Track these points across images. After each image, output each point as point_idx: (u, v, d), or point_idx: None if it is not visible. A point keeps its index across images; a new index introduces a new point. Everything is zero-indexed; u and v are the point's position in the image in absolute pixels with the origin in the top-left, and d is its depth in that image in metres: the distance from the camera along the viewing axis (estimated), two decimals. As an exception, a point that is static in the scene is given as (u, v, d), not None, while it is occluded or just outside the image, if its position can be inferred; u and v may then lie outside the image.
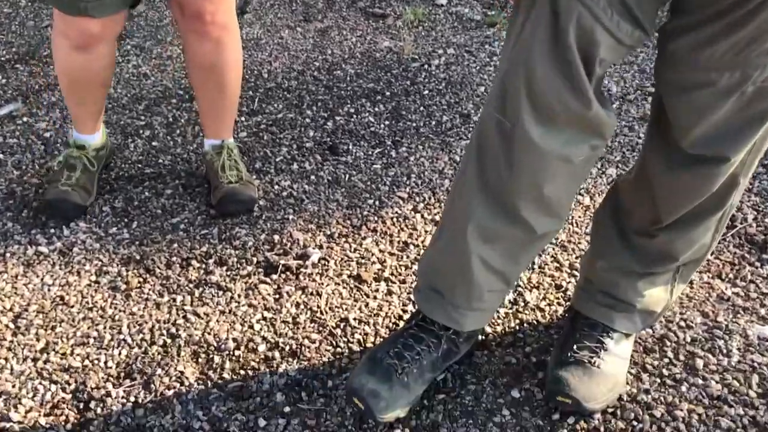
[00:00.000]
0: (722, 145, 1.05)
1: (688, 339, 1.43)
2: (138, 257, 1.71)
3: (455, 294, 1.25)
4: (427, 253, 1.31)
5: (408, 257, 1.69)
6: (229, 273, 1.65)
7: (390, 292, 1.58)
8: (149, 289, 1.62)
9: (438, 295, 1.27)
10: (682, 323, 1.47)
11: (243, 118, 2.30)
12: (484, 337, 1.45)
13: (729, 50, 0.96)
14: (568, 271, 1.62)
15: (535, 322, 1.49)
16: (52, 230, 1.81)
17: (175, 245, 1.75)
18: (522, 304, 1.53)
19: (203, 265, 1.68)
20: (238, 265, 1.68)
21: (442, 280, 1.27)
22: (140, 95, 2.48)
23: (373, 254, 1.70)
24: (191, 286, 1.62)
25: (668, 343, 1.42)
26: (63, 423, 1.32)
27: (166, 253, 1.72)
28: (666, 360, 1.38)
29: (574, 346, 1.31)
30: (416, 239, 1.74)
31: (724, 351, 1.40)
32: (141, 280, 1.64)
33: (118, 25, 1.68)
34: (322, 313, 1.54)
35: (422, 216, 1.82)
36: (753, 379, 1.33)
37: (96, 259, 1.71)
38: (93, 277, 1.66)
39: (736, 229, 1.71)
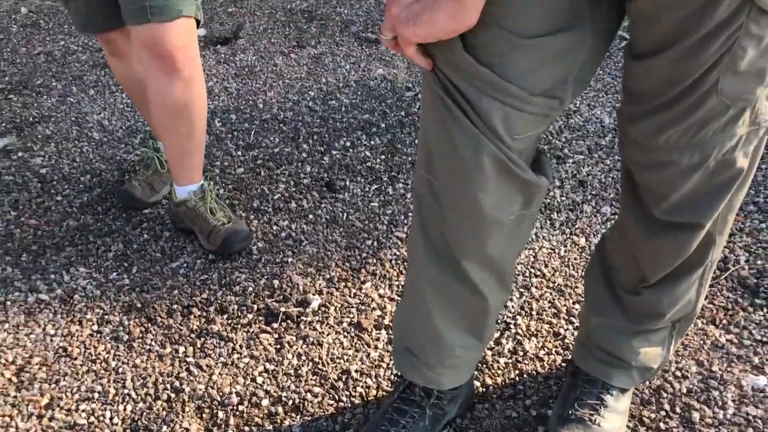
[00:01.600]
0: (694, 213, 1.08)
1: (684, 390, 1.46)
2: (139, 305, 1.72)
3: (427, 353, 1.26)
4: (397, 312, 1.32)
5: (407, 303, 1.71)
6: (230, 321, 1.67)
7: (391, 341, 1.60)
8: (151, 340, 1.63)
9: (412, 356, 1.28)
10: (678, 373, 1.50)
11: (240, 153, 2.31)
12: (484, 389, 1.47)
13: (684, 134, 0.97)
14: (566, 317, 1.65)
15: (534, 372, 1.51)
16: (53, 275, 1.81)
17: (176, 291, 1.76)
18: (521, 353, 1.56)
19: (204, 313, 1.69)
20: (239, 313, 1.69)
21: (411, 339, 1.28)
22: (135, 127, 2.48)
23: (372, 300, 1.72)
24: (193, 336, 1.63)
25: (664, 395, 1.45)
26: (70, 484, 1.33)
27: (167, 301, 1.73)
28: (663, 413, 1.41)
29: (575, 404, 1.33)
30: (415, 284, 1.76)
31: (720, 403, 1.42)
32: (143, 329, 1.65)
33: (126, 42, 1.81)
34: (323, 364, 1.55)
35: (420, 259, 1.84)
36: (748, 433, 1.36)
37: (97, 307, 1.72)
38: (95, 327, 1.67)
39: (729, 272, 1.74)
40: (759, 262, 1.78)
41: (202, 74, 1.70)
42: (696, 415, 1.40)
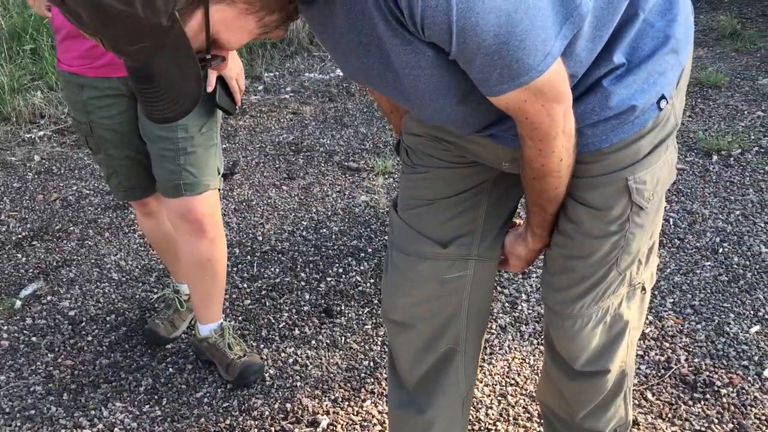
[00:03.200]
0: (603, 362, 1.39)
1: (639, 479, 1.75)
2: (172, 434, 1.99)
3: None
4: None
5: (403, 417, 2.00)
6: (252, 444, 1.94)
7: (391, 453, 1.88)
8: (186, 465, 1.89)
9: None
10: (633, 464, 1.79)
11: (245, 285, 2.63)
12: (473, 490, 1.75)
13: (593, 301, 1.31)
14: (538, 421, 1.94)
15: (513, 472, 1.80)
16: (93, 411, 2.09)
17: (203, 420, 2.03)
18: (502, 455, 1.85)
19: (229, 438, 1.97)
20: (259, 436, 1.97)
21: None
22: (149, 266, 2.80)
23: (373, 416, 2.00)
24: (221, 459, 1.90)
25: (623, 484, 1.73)
26: None
27: (196, 428, 2.01)
28: (622, 500, 1.69)
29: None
30: (408, 399, 2.06)
31: (668, 488, 1.71)
32: (177, 456, 1.92)
33: (158, 204, 2.13)
34: (336, 477, 1.83)
35: (411, 375, 2.14)
36: None
37: (135, 438, 1.99)
38: (135, 457, 1.93)
39: (671, 371, 2.06)
40: (696, 360, 2.10)
41: (224, 234, 2.05)
42: (649, 501, 1.68)
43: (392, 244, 1.42)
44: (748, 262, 2.50)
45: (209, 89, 1.85)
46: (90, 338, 2.40)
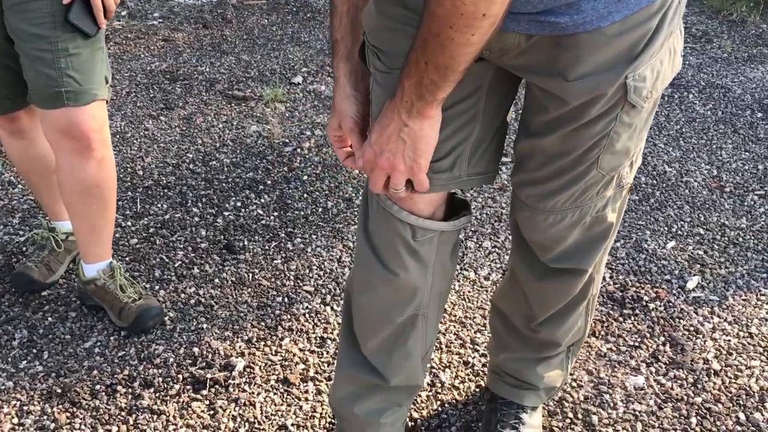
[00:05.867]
0: (577, 260, 1.29)
1: (581, 398, 1.68)
2: (59, 390, 1.70)
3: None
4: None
5: (327, 353, 1.82)
6: (158, 395, 1.70)
7: (319, 392, 1.71)
8: (80, 423, 1.62)
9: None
10: (574, 384, 1.72)
11: (129, 223, 2.32)
12: (412, 423, 1.62)
13: (568, 199, 1.18)
14: (471, 346, 1.84)
15: (454, 401, 1.68)
16: (-45, 373, 1.75)
17: (95, 372, 1.76)
18: (439, 385, 1.72)
19: (130, 390, 1.71)
20: (166, 385, 1.72)
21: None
22: (10, 206, 2.41)
23: (294, 354, 1.81)
24: (123, 414, 1.65)
25: (566, 405, 1.67)
26: None
27: (88, 382, 1.73)
28: (567, 420, 1.62)
29: (498, 425, 1.51)
30: (332, 333, 1.88)
31: (611, 404, 1.67)
32: (69, 415, 1.64)
33: (30, 119, 1.81)
34: (259, 423, 1.63)
35: (332, 308, 1.96)
36: (638, 427, 1.61)
37: (14, 399, 1.68)
38: (15, 420, 1.63)
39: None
40: (621, 277, 2.07)
41: (113, 155, 1.74)
42: (595, 419, 1.63)
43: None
44: (655, 182, 2.51)
45: (65, 1, 1.54)
46: (-57, 289, 2.02)
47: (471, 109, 1.12)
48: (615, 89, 1.03)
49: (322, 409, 1.66)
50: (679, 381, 1.73)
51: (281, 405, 1.68)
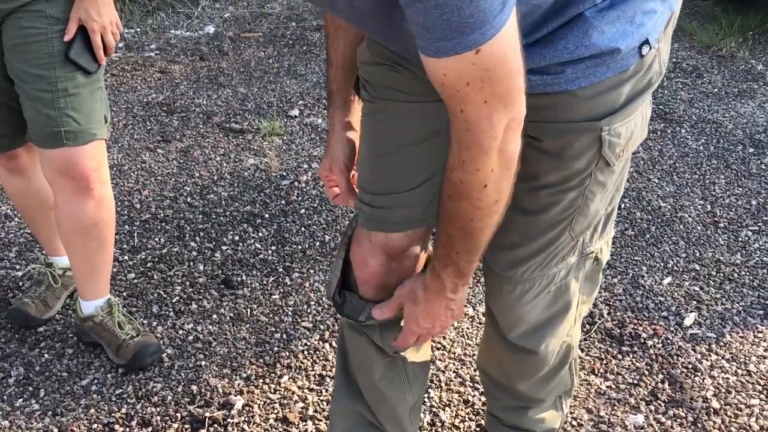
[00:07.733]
0: (534, 341, 1.29)
1: (582, 437, 1.68)
2: (56, 430, 1.68)
3: None
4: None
5: (326, 390, 1.81)
6: (156, 434, 1.68)
7: (318, 431, 1.70)
8: (77, 465, 1.60)
9: None
10: (574, 422, 1.72)
11: (126, 257, 2.32)
12: (413, 463, 1.61)
13: (538, 267, 1.19)
14: (471, 384, 1.83)
15: (454, 440, 1.68)
16: (-51, 412, 1.73)
17: (92, 410, 1.74)
18: (439, 424, 1.72)
19: (127, 429, 1.69)
20: (164, 424, 1.71)
21: None
22: (7, 239, 2.41)
23: (293, 392, 1.80)
24: (121, 454, 1.63)
25: (567, 444, 1.66)
26: None
27: (85, 421, 1.71)
28: (569, 460, 1.62)
29: (499, 467, 1.51)
30: (330, 370, 1.87)
31: (612, 444, 1.66)
32: (66, 455, 1.63)
33: (29, 157, 1.82)
34: (259, 462, 1.62)
35: (331, 345, 1.96)
36: (639, 466, 1.61)
37: (9, 439, 1.66)
38: (11, 461, 1.61)
39: (596, 326, 2.02)
40: (618, 313, 2.08)
41: (112, 193, 1.75)
42: (596, 458, 1.62)
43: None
44: (650, 217, 2.53)
45: (66, 38, 1.56)
46: (-62, 325, 2.00)
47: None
48: (590, 141, 1.05)
49: (322, 448, 1.65)
50: (678, 420, 1.73)
51: (281, 444, 1.66)
